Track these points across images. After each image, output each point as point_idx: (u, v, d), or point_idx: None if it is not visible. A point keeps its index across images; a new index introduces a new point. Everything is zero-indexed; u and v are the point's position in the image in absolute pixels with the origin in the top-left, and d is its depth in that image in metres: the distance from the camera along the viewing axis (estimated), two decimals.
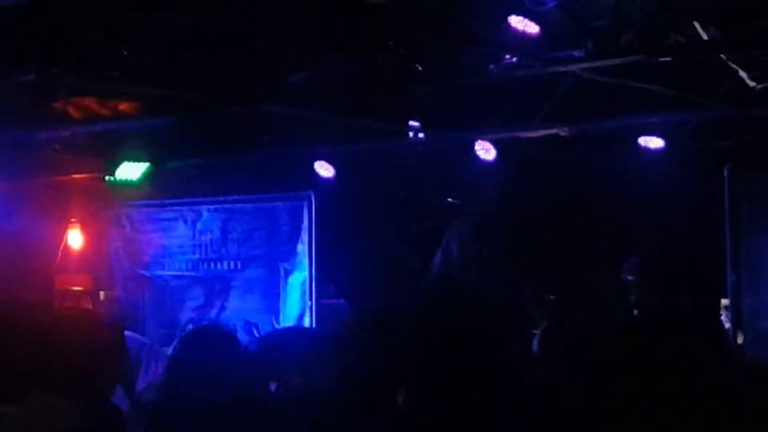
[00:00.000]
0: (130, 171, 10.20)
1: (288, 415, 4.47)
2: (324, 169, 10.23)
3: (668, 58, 7.52)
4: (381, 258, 10.40)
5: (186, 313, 10.90)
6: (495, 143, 9.45)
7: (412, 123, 9.41)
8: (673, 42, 7.48)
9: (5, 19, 6.96)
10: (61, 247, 10.92)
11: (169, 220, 11.30)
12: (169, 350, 9.38)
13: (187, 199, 11.15)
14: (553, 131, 9.04)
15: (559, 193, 9.46)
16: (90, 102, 9.17)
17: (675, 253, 7.84)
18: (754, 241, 9.11)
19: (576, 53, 7.65)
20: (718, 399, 2.64)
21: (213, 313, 10.71)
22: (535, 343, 7.54)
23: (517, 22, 7.29)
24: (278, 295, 10.84)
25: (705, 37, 7.35)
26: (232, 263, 11.07)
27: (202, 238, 11.20)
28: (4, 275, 8.89)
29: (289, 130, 9.51)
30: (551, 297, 9.06)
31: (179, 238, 11.21)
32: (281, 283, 10.88)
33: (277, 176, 10.50)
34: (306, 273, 10.68)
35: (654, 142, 9.06)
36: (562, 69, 7.95)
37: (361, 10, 7.26)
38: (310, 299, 10.21)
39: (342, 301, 10.00)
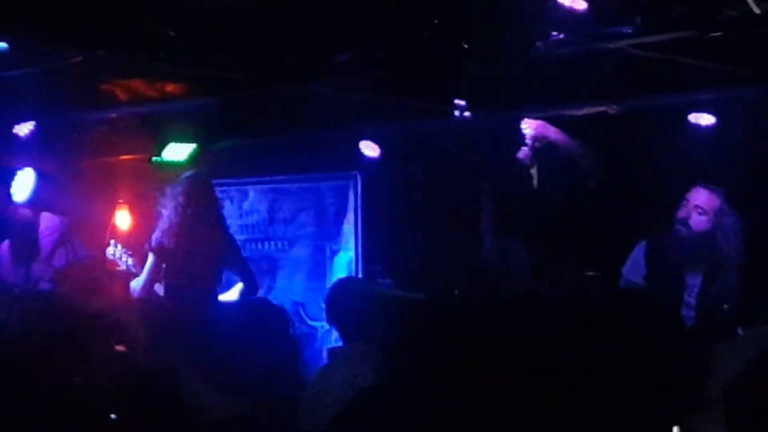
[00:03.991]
0: (177, 152, 10.23)
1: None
2: (369, 149, 10.22)
3: (719, 33, 7.44)
4: (428, 237, 10.38)
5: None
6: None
7: (457, 102, 9.37)
8: (724, 16, 7.39)
9: (53, 2, 6.99)
10: (109, 228, 10.96)
11: None
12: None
13: (233, 180, 11.19)
14: (601, 109, 8.98)
15: (607, 170, 9.39)
16: (137, 84, 9.20)
17: None
18: None
19: (624, 29, 7.59)
20: None
21: (261, 293, 10.73)
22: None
23: None
24: (324, 275, 10.88)
25: (756, 11, 7.26)
26: (278, 243, 11.12)
27: (249, 218, 11.25)
28: None
29: (334, 110, 9.49)
30: (591, 273, 9.05)
31: (226, 218, 11.25)
32: (327, 263, 10.92)
33: (322, 156, 10.50)
34: (352, 253, 10.72)
35: (705, 119, 8.96)
36: (610, 45, 7.89)
37: None
38: None
39: (389, 281, 10.00)
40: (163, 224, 8.23)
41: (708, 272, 7.78)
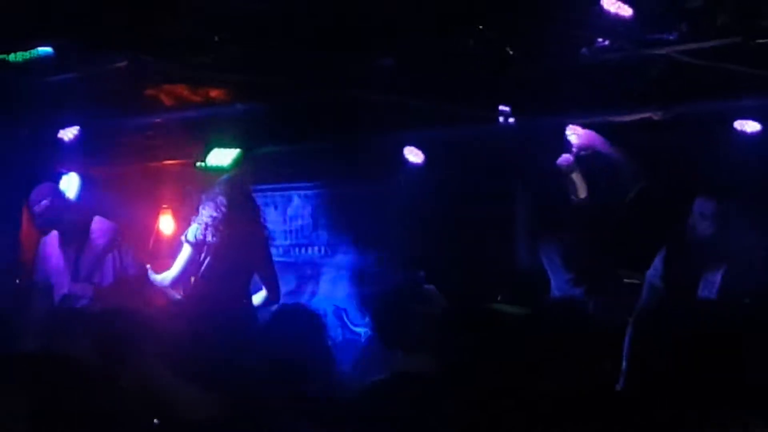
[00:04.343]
0: (221, 157, 10.25)
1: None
2: (413, 155, 10.20)
3: (765, 40, 7.40)
4: (470, 243, 10.36)
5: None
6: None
7: (502, 108, 9.34)
8: None
9: (98, 7, 7.03)
10: (154, 233, 11.02)
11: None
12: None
13: (277, 185, 11.21)
14: (646, 115, 8.94)
15: (652, 177, 9.35)
16: (181, 89, 9.23)
17: None
18: None
19: (669, 36, 7.56)
20: None
21: (304, 298, 10.76)
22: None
23: (609, 4, 7.22)
24: None
25: None
26: (322, 249, 11.13)
27: (293, 223, 11.27)
28: None
29: (378, 116, 9.49)
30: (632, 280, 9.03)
31: (270, 223, 11.25)
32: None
33: (366, 162, 10.50)
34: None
35: (750, 126, 8.92)
36: (656, 52, 7.86)
37: None
38: None
39: (432, 286, 9.98)
40: (203, 219, 8.30)
41: (727, 270, 7.94)
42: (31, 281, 8.80)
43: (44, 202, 8.59)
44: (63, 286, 8.52)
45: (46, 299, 8.49)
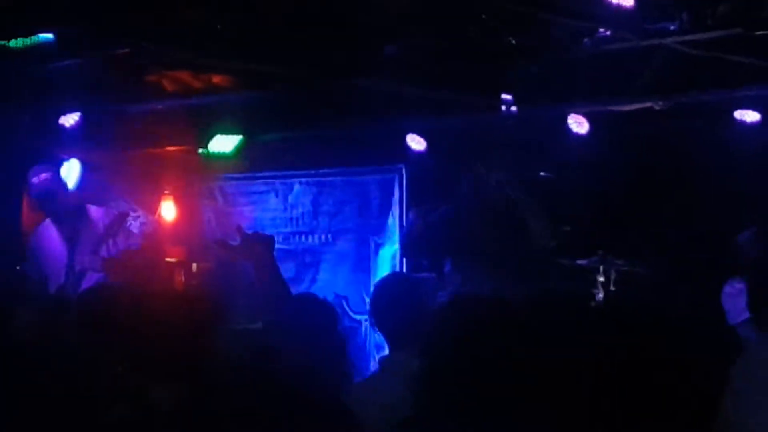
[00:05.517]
0: (223, 144, 10.27)
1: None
2: (415, 143, 10.21)
3: (765, 31, 7.40)
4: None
5: None
6: (588, 117, 9.38)
7: (504, 96, 9.35)
8: None
9: None
10: (155, 219, 11.03)
11: (260, 193, 11.41)
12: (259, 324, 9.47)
13: (279, 173, 11.24)
14: (648, 105, 8.95)
15: (653, 166, 9.37)
16: (184, 75, 9.24)
17: None
18: None
19: (670, 26, 7.56)
20: None
21: (304, 286, 10.78)
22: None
23: None
24: (368, 268, 10.91)
25: None
26: (323, 236, 11.15)
27: (294, 211, 11.29)
28: None
29: (380, 103, 9.49)
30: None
31: (271, 211, 11.32)
32: (372, 257, 10.94)
33: (368, 149, 10.51)
34: (396, 246, 10.73)
35: (750, 116, 8.92)
36: (657, 42, 7.86)
37: None
38: None
39: (433, 275, 10.00)
40: None
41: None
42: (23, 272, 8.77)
43: (42, 176, 8.50)
44: (60, 276, 8.49)
45: (40, 288, 8.45)
